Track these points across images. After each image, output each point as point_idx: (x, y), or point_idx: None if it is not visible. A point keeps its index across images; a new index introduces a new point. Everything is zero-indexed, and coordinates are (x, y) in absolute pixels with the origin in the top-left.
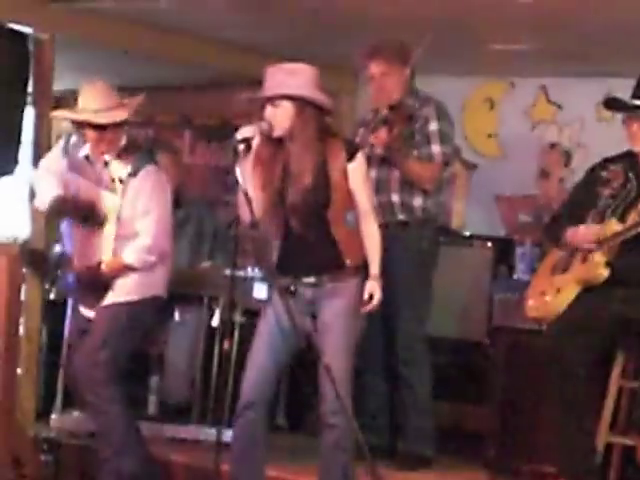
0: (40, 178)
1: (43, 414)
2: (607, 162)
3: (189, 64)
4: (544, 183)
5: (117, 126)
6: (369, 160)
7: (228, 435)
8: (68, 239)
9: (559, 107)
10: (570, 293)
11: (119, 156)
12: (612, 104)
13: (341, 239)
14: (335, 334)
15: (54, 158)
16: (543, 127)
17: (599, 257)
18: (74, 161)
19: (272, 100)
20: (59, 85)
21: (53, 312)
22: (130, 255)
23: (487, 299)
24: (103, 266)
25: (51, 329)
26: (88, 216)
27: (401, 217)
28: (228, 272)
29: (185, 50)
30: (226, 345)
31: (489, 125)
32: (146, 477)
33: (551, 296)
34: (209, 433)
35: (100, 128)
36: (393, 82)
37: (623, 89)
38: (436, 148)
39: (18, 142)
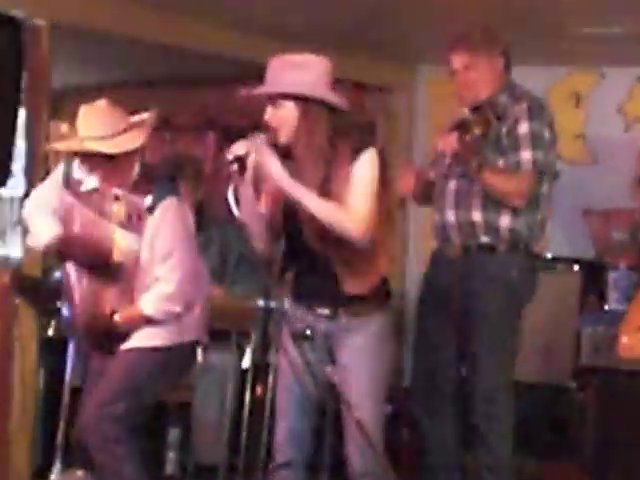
0: (34, 213)
1: (40, 474)
2: None
3: (210, 54)
4: None
5: (129, 154)
6: (448, 170)
7: None
8: (71, 286)
9: None
10: None
11: (134, 188)
12: None
13: (342, 263)
14: (355, 379)
15: (51, 188)
16: None
17: None
18: (79, 192)
19: (272, 99)
20: (58, 81)
21: (52, 351)
22: (149, 305)
23: (573, 334)
24: (116, 317)
25: (50, 371)
26: (97, 260)
27: (485, 240)
28: (261, 303)
29: (205, 38)
30: (259, 391)
31: (575, 125)
32: None
33: None
34: None
35: (108, 159)
36: (480, 76)
37: None
38: (526, 154)
39: (10, 149)
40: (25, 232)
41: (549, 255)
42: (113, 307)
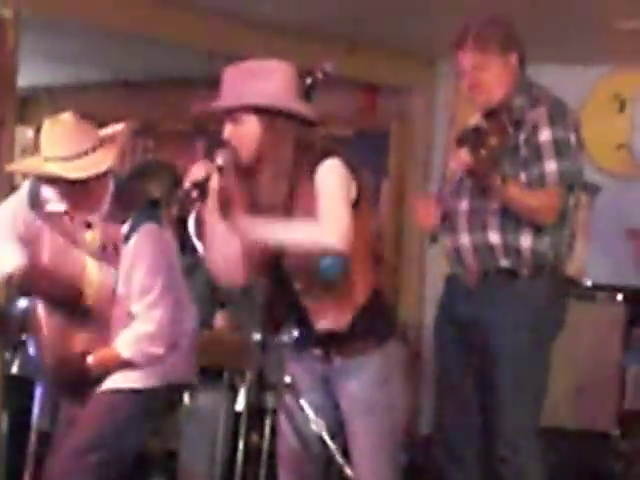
0: None
1: None
2: None
3: (201, 51)
4: None
5: (100, 176)
6: (460, 187)
7: None
8: (38, 319)
9: None
10: None
11: (110, 214)
12: None
13: (306, 294)
14: (352, 434)
15: (16, 209)
16: None
17: None
18: (48, 214)
19: (231, 114)
20: (25, 80)
21: (16, 391)
22: (126, 347)
23: (617, 374)
24: (90, 359)
25: (13, 414)
26: (66, 299)
27: (505, 263)
28: (256, 337)
29: (195, 31)
30: (254, 437)
31: (618, 132)
32: None
33: None
34: None
35: (76, 182)
36: (492, 77)
37: None
38: (551, 165)
39: None
40: None
41: (588, 282)
42: (86, 347)
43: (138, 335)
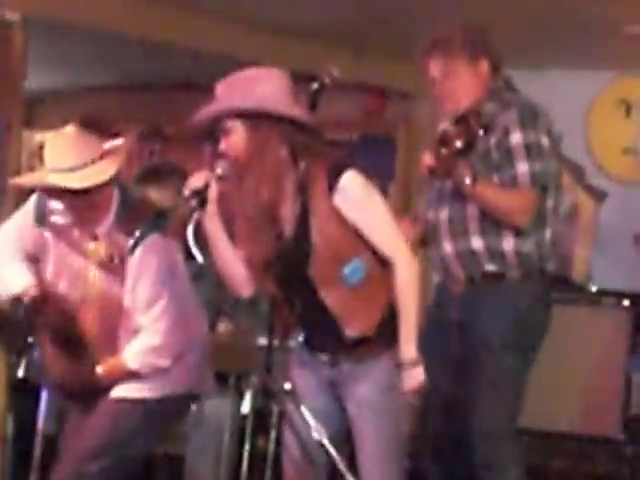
0: (1, 259)
1: None
2: None
3: (208, 54)
4: None
5: (104, 186)
6: (440, 196)
7: None
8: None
9: None
10: None
11: (116, 225)
12: None
13: (334, 303)
14: (365, 435)
15: (20, 226)
16: None
17: None
18: (52, 228)
19: (221, 126)
20: (33, 83)
21: (22, 394)
22: (134, 358)
23: (622, 379)
24: (99, 369)
25: (20, 418)
26: (66, 333)
27: (490, 268)
28: (263, 341)
29: (202, 34)
30: (260, 441)
31: (624, 137)
32: None
33: None
34: None
35: (79, 193)
36: (460, 84)
37: None
38: (522, 167)
39: None
40: None
41: (594, 288)
42: (95, 357)
43: (145, 347)
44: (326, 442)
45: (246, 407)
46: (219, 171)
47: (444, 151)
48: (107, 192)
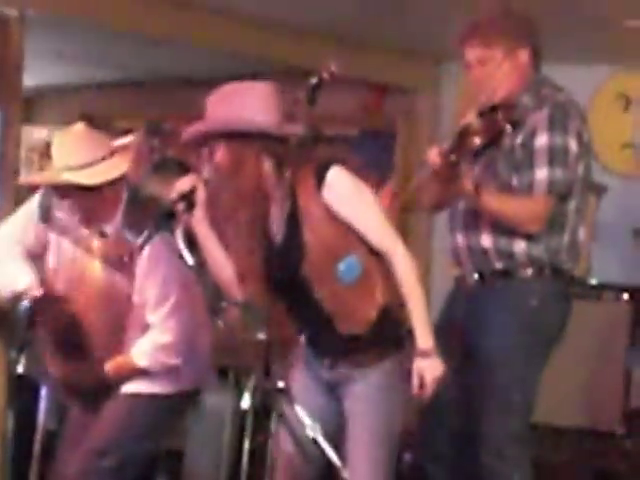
0: (3, 256)
1: None
2: None
3: (210, 50)
4: None
5: (113, 184)
6: None
7: None
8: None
9: None
10: None
11: (124, 224)
12: None
13: (329, 301)
14: (356, 430)
15: (23, 224)
16: None
17: None
18: (57, 226)
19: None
20: (31, 79)
21: (22, 390)
22: (143, 356)
23: (622, 373)
24: (107, 367)
25: (20, 413)
26: (67, 332)
27: (499, 266)
28: (262, 335)
29: (204, 30)
30: (260, 437)
31: (623, 132)
32: None
33: None
34: None
35: (89, 190)
36: (495, 74)
37: None
38: (541, 173)
39: None
40: None
41: (593, 281)
42: (101, 354)
43: (155, 345)
44: (321, 439)
45: (246, 402)
46: (205, 174)
47: (453, 157)
48: (116, 190)
